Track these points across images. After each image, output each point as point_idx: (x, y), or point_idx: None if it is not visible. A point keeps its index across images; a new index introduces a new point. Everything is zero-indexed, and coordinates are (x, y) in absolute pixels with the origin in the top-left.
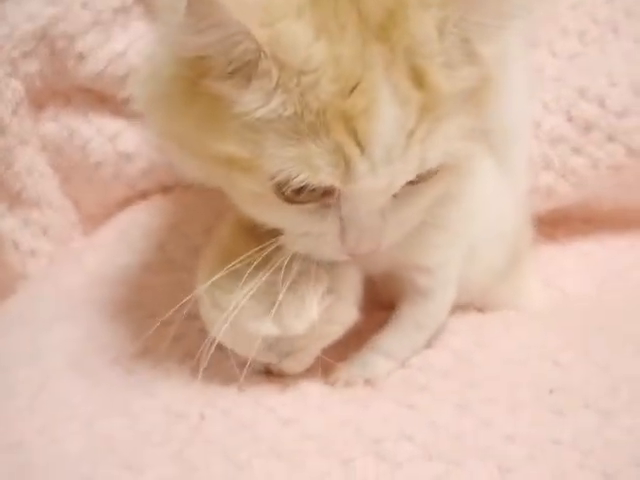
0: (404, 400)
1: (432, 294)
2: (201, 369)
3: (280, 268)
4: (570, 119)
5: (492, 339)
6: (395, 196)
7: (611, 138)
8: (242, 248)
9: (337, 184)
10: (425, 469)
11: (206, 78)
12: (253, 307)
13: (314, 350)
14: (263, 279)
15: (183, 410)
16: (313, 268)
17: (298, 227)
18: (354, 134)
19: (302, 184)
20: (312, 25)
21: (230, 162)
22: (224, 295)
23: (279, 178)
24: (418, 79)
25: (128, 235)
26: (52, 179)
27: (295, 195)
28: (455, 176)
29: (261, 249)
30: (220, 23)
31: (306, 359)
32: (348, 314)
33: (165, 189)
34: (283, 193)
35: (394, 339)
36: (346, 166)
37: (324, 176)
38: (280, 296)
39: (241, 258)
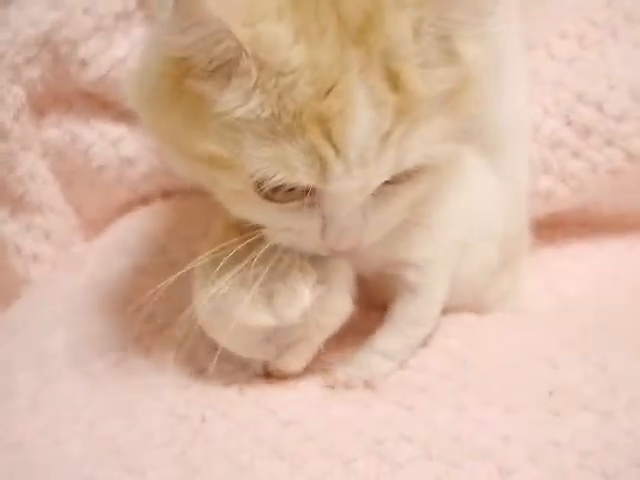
0: (403, 402)
1: (421, 290)
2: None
3: (266, 259)
4: (569, 123)
5: (490, 341)
6: (375, 195)
7: (610, 142)
8: (233, 243)
9: (313, 184)
10: (425, 470)
11: (189, 77)
12: (248, 300)
13: (312, 344)
14: (247, 267)
15: (184, 412)
16: (303, 259)
17: (279, 224)
18: (329, 136)
19: (279, 183)
20: (292, 27)
21: (212, 161)
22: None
23: (257, 177)
24: (394, 81)
25: (129, 239)
26: (54, 184)
27: (275, 194)
28: (436, 177)
29: (245, 240)
30: (203, 21)
31: (305, 354)
32: (342, 305)
33: (166, 194)
34: (263, 191)
35: (389, 337)
36: (322, 167)
37: (300, 176)
38: (256, 285)
39: (223, 245)
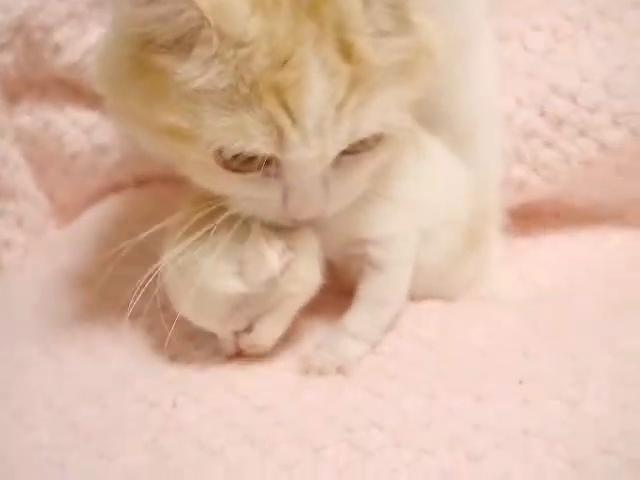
0: (374, 388)
1: (385, 267)
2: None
3: (229, 227)
4: (542, 114)
5: (462, 329)
6: (336, 166)
7: (583, 133)
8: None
9: (271, 153)
10: (395, 457)
11: (150, 52)
12: (217, 268)
13: (283, 316)
14: (207, 234)
15: (156, 398)
16: (269, 229)
17: (241, 193)
18: (285, 106)
19: (238, 152)
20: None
21: (173, 133)
22: (186, 259)
23: (216, 146)
24: (347, 52)
25: (102, 227)
26: (26, 170)
27: (236, 163)
28: (395, 148)
29: (208, 208)
30: None
31: (275, 327)
32: (311, 272)
33: (138, 182)
34: (222, 161)
35: (358, 317)
36: (279, 136)
37: (258, 145)
38: (218, 250)
39: (189, 212)
